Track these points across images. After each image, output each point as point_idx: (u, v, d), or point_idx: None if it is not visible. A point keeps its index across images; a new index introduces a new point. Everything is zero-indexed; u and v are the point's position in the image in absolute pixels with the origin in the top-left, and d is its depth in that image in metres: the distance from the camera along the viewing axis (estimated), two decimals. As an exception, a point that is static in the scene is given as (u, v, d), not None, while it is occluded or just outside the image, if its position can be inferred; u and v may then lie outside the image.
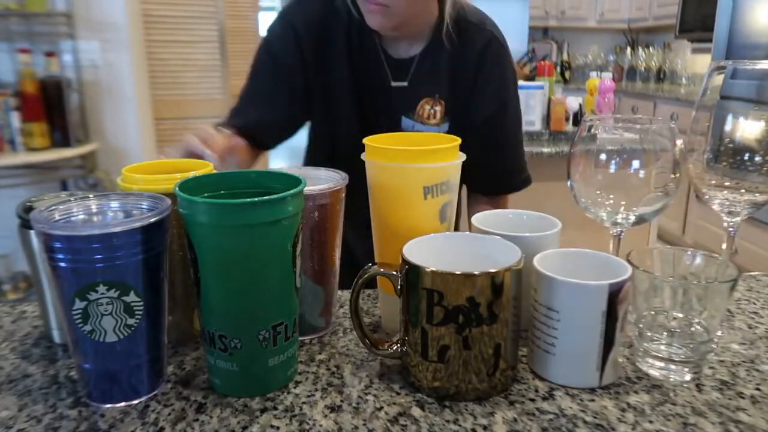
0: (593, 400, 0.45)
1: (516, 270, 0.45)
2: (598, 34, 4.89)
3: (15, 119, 2.31)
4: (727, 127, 0.52)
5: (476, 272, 0.43)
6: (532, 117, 1.88)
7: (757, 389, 0.48)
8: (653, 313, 0.49)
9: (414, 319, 0.46)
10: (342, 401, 0.46)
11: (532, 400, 0.46)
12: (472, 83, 0.90)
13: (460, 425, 0.43)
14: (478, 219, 0.58)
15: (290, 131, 0.98)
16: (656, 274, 0.49)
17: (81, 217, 0.46)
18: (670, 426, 0.43)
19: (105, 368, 0.44)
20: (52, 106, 2.38)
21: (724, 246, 0.57)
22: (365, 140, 0.57)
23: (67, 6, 2.46)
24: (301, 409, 0.45)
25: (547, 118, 1.98)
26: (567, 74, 4.70)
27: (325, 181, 0.56)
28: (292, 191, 0.44)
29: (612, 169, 0.50)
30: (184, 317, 0.54)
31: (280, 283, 0.46)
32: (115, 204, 0.47)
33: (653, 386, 0.47)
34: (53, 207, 0.44)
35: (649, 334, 0.49)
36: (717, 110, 0.53)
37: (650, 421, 0.43)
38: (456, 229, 1.02)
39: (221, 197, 0.48)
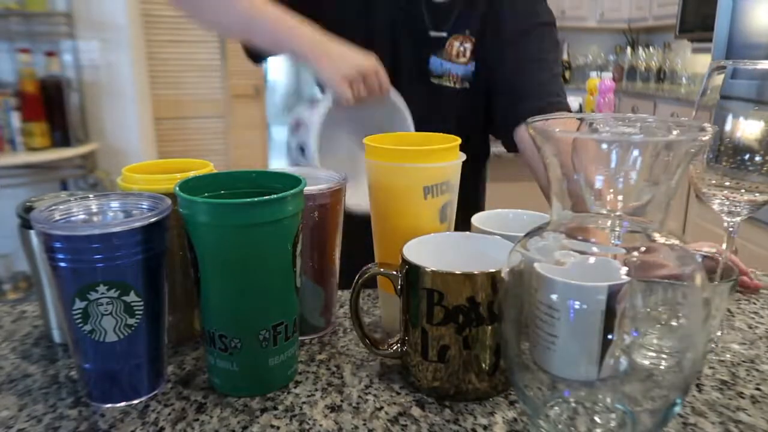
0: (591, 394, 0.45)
1: (517, 270, 0.45)
2: (598, 34, 4.89)
3: (15, 119, 2.31)
4: (727, 127, 0.52)
5: (476, 272, 0.43)
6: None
7: (757, 389, 0.48)
8: (648, 309, 0.49)
9: (414, 319, 0.46)
10: (342, 401, 0.46)
11: (532, 400, 0.46)
12: (498, 12, 0.88)
13: (460, 425, 0.43)
14: (478, 219, 0.58)
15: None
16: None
17: (81, 217, 0.46)
18: (670, 426, 0.43)
19: (105, 368, 0.44)
20: (52, 106, 2.38)
21: (724, 246, 0.57)
22: (365, 140, 0.57)
23: (67, 6, 2.46)
24: (301, 408, 0.45)
25: (547, 118, 1.97)
26: (567, 74, 4.70)
27: (325, 181, 0.56)
28: (292, 191, 0.44)
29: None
30: (184, 317, 0.54)
31: (280, 283, 0.46)
32: (115, 204, 0.47)
33: (647, 377, 0.47)
34: (53, 207, 0.44)
35: (642, 329, 0.49)
36: (717, 110, 0.53)
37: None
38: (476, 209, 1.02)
39: (221, 197, 0.48)
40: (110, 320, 0.43)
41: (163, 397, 0.46)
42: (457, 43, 0.89)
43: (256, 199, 0.43)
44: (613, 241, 0.41)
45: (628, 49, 4.69)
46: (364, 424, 0.43)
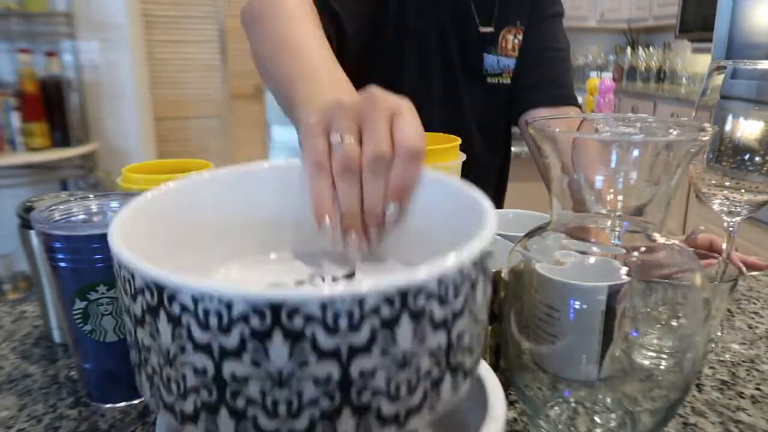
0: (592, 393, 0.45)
1: (517, 271, 0.45)
2: (598, 34, 4.89)
3: (15, 119, 2.31)
4: (727, 127, 0.52)
5: (476, 272, 0.43)
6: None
7: (757, 389, 0.48)
8: (648, 309, 0.49)
9: (414, 319, 0.46)
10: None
11: (532, 400, 0.46)
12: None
13: (460, 425, 0.43)
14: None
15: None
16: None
17: (81, 217, 0.46)
18: (670, 426, 0.43)
19: (105, 368, 0.44)
20: (52, 106, 2.38)
21: (724, 246, 0.57)
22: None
23: (68, 6, 2.46)
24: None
25: (547, 118, 1.97)
26: (567, 74, 4.70)
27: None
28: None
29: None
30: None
31: (280, 283, 0.46)
32: (115, 204, 0.47)
33: (647, 377, 0.47)
34: (53, 207, 0.44)
35: (643, 329, 0.49)
36: (717, 110, 0.53)
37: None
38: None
39: (221, 197, 0.48)
40: (110, 320, 0.43)
41: (163, 397, 0.46)
42: (510, 36, 0.85)
43: (256, 199, 0.43)
44: (613, 241, 0.41)
45: (628, 49, 4.69)
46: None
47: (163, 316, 0.22)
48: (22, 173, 2.38)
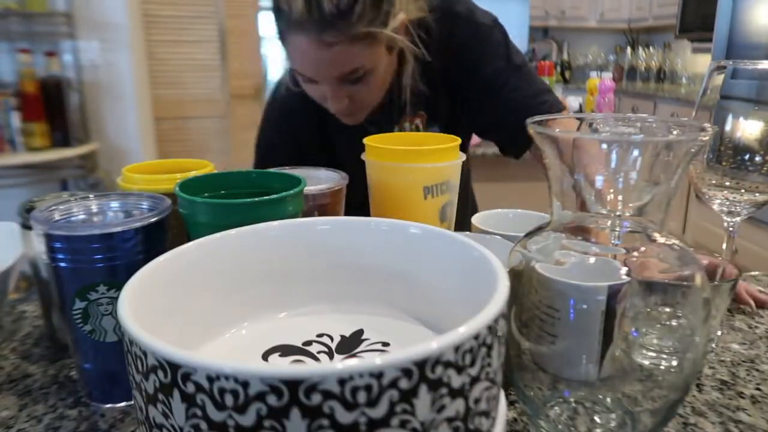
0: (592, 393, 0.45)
1: (517, 271, 0.45)
2: (598, 34, 4.89)
3: (15, 119, 2.31)
4: (727, 127, 0.52)
5: (476, 272, 0.43)
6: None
7: (757, 389, 0.48)
8: (648, 309, 0.49)
9: (414, 319, 0.46)
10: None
11: (532, 400, 0.46)
12: (467, 82, 0.87)
13: (460, 425, 0.43)
14: (478, 219, 0.58)
15: None
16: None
17: (81, 217, 0.46)
18: (670, 426, 0.43)
19: (105, 368, 0.44)
20: (52, 106, 2.38)
21: (724, 246, 0.57)
22: (365, 140, 0.57)
23: (67, 6, 2.46)
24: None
25: (547, 118, 1.97)
26: (567, 74, 4.70)
27: (325, 181, 0.56)
28: (292, 191, 0.44)
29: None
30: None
31: (280, 283, 0.46)
32: (115, 204, 0.47)
33: (647, 377, 0.47)
34: (53, 207, 0.44)
35: (644, 329, 0.49)
36: (717, 110, 0.53)
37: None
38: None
39: (221, 197, 0.48)
40: (110, 320, 0.43)
41: (163, 397, 0.46)
42: (407, 125, 0.90)
43: (256, 199, 0.43)
44: (613, 241, 0.41)
45: (628, 49, 4.69)
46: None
47: (176, 395, 0.22)
48: (22, 173, 2.38)
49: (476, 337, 0.24)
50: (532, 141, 0.38)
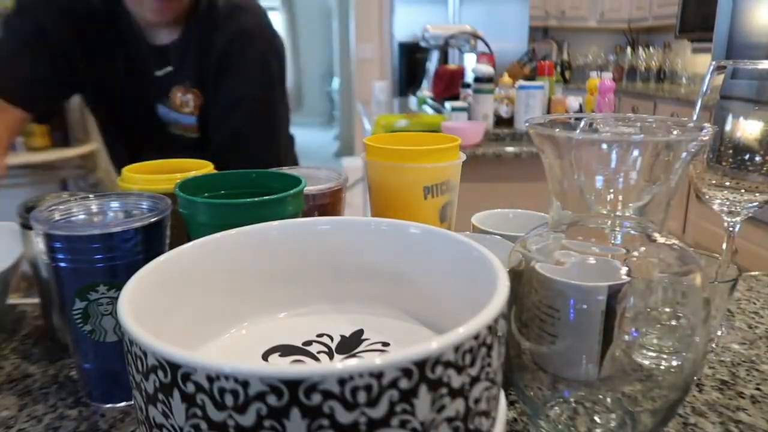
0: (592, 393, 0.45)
1: (517, 271, 0.45)
2: (598, 34, 4.89)
3: (15, 119, 2.31)
4: (727, 127, 0.52)
5: (476, 272, 0.43)
6: (533, 116, 1.88)
7: (757, 389, 0.48)
8: (648, 309, 0.49)
9: (414, 319, 0.46)
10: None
11: (532, 400, 0.46)
12: (214, 74, 0.88)
13: (460, 425, 0.43)
14: (478, 219, 0.58)
15: (52, 97, 0.98)
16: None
17: (81, 217, 0.46)
18: (670, 426, 0.43)
19: (105, 368, 0.44)
20: (52, 106, 2.38)
21: (724, 246, 0.57)
22: (365, 140, 0.57)
23: (67, 6, 2.45)
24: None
25: (547, 118, 1.97)
26: (567, 74, 4.70)
27: (325, 181, 0.56)
28: (292, 191, 0.44)
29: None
30: (184, 317, 0.54)
31: (280, 283, 0.46)
32: (115, 204, 0.47)
33: (647, 377, 0.47)
34: (53, 207, 0.44)
35: (644, 329, 0.49)
36: (717, 110, 0.53)
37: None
38: None
39: (221, 197, 0.48)
40: (110, 320, 0.43)
41: (163, 397, 0.46)
42: (179, 94, 0.90)
43: (256, 199, 0.43)
44: (613, 241, 0.41)
45: (628, 49, 4.69)
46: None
47: (176, 394, 0.22)
48: (22, 173, 2.38)
49: (476, 337, 0.24)
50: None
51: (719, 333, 0.57)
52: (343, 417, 0.21)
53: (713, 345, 0.55)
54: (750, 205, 0.54)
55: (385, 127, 1.86)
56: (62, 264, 0.41)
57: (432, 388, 0.22)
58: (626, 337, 0.43)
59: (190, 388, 0.22)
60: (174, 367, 0.22)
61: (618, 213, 0.48)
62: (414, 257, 0.36)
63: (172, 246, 0.34)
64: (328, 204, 0.54)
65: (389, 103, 3.01)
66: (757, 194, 0.53)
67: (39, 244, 0.42)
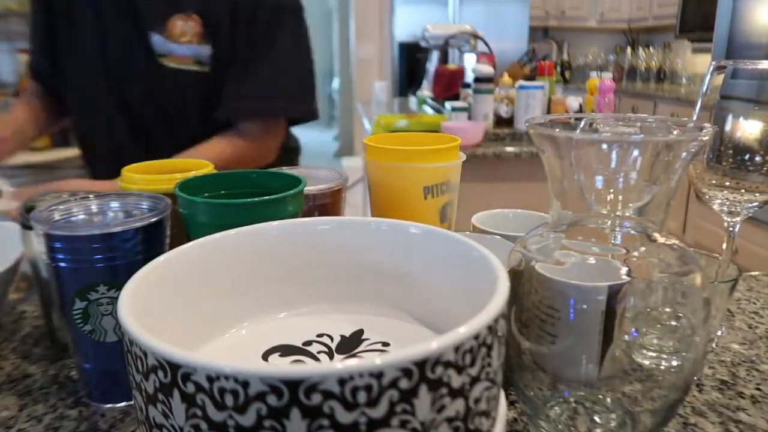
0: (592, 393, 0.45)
1: (517, 271, 0.45)
2: (598, 34, 4.89)
3: (15, 119, 2.31)
4: (727, 127, 0.52)
5: (476, 272, 0.43)
6: (533, 116, 1.88)
7: (757, 389, 0.48)
8: (648, 309, 0.49)
9: (414, 319, 0.46)
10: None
11: (532, 400, 0.46)
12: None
13: (460, 425, 0.43)
14: (478, 219, 0.58)
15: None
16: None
17: (81, 217, 0.46)
18: (670, 426, 0.43)
19: (105, 368, 0.44)
20: (52, 106, 2.38)
21: (724, 246, 0.57)
22: (365, 140, 0.57)
23: (67, 6, 2.46)
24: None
25: (547, 118, 1.97)
26: (567, 74, 4.70)
27: (325, 181, 0.56)
28: (292, 191, 0.44)
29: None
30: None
31: (280, 283, 0.46)
32: (115, 204, 0.47)
33: (647, 377, 0.47)
34: (53, 207, 0.44)
35: (644, 329, 0.49)
36: (717, 110, 0.53)
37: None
38: None
39: (221, 197, 0.48)
40: (110, 320, 0.43)
41: (163, 397, 0.46)
42: (180, 23, 0.84)
43: (256, 199, 0.43)
44: (613, 241, 0.41)
45: (628, 49, 4.69)
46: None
47: (176, 395, 0.22)
48: (22, 173, 2.37)
49: (476, 337, 0.24)
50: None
51: (719, 333, 0.57)
52: (343, 417, 0.21)
53: (713, 345, 0.55)
54: (750, 205, 0.54)
55: (385, 127, 1.86)
56: (62, 264, 0.41)
57: (432, 388, 0.22)
58: (626, 337, 0.43)
59: (190, 388, 0.22)
60: (174, 367, 0.22)
61: (618, 213, 0.48)
62: (414, 257, 0.36)
63: (172, 246, 0.34)
64: (328, 204, 0.54)
65: (389, 103, 3.01)
66: (757, 194, 0.53)
67: (39, 244, 0.42)
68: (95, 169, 0.98)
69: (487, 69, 1.88)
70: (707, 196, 0.55)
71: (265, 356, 0.33)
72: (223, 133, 0.88)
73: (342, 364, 0.21)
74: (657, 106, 3.57)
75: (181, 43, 0.85)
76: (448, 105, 1.99)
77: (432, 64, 2.73)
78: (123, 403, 0.45)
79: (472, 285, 0.31)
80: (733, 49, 2.72)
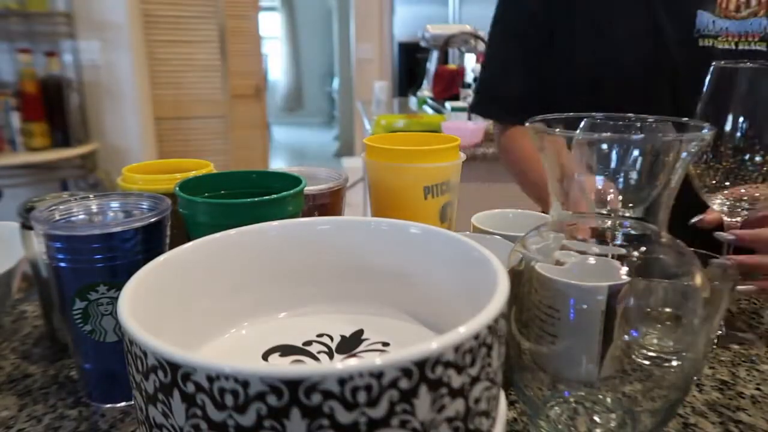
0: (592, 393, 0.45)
1: (517, 271, 0.45)
2: (598, 34, 4.88)
3: (15, 119, 2.31)
4: (728, 127, 0.53)
5: (476, 272, 0.43)
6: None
7: (757, 389, 0.48)
8: (648, 309, 0.49)
9: (414, 319, 0.46)
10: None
11: (532, 400, 0.46)
12: None
13: (460, 425, 0.43)
14: (478, 219, 0.58)
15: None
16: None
17: (81, 217, 0.46)
18: (670, 426, 0.43)
19: (105, 368, 0.44)
20: (52, 106, 2.38)
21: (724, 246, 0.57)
22: (365, 140, 0.57)
23: (68, 6, 2.46)
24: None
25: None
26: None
27: (325, 181, 0.56)
28: (292, 191, 0.44)
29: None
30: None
31: (280, 283, 0.46)
32: (115, 204, 0.47)
33: (647, 377, 0.47)
34: (53, 207, 0.44)
35: (644, 329, 0.49)
36: (717, 110, 0.53)
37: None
38: None
39: (221, 197, 0.48)
40: (110, 320, 0.43)
41: (163, 397, 0.46)
42: None
43: (256, 199, 0.43)
44: (613, 242, 0.41)
45: (628, 49, 4.68)
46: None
47: (176, 394, 0.22)
48: (22, 173, 2.38)
49: (476, 337, 0.24)
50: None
51: (719, 333, 0.57)
52: (343, 417, 0.21)
53: (713, 345, 0.55)
54: (749, 205, 0.54)
55: (385, 127, 1.86)
56: (62, 264, 0.41)
57: (432, 388, 0.22)
58: (626, 337, 0.43)
59: (190, 388, 0.22)
60: (174, 367, 0.22)
61: (618, 213, 0.48)
62: (414, 257, 0.36)
63: (172, 246, 0.34)
64: (328, 204, 0.54)
65: (389, 103, 3.01)
66: (756, 194, 0.53)
67: (39, 244, 0.42)
68: None
69: (487, 69, 1.88)
70: (707, 196, 0.55)
71: (265, 356, 0.33)
72: None
73: (342, 364, 0.21)
74: (657, 106, 3.56)
75: (736, 18, 0.70)
76: (448, 105, 1.99)
77: (432, 64, 2.74)
78: (123, 403, 0.45)
79: (472, 285, 0.31)
80: (733, 49, 2.72)
